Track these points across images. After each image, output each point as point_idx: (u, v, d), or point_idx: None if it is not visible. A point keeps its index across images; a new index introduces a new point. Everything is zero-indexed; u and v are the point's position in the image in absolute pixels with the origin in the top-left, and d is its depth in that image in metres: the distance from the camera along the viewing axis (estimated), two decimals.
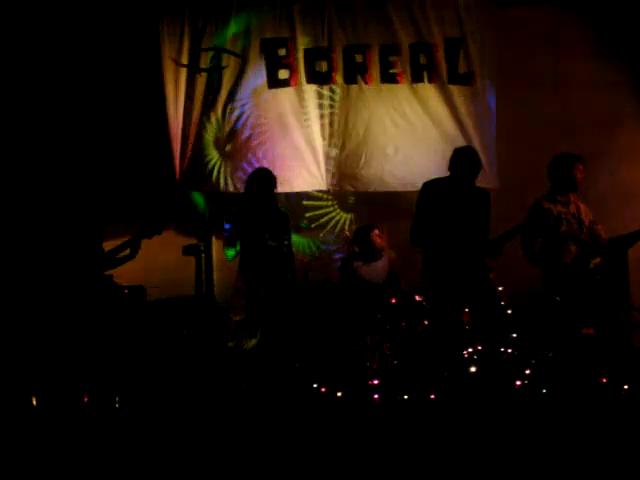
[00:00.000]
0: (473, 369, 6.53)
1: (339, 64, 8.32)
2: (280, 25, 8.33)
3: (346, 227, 8.53)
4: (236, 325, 6.90)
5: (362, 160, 8.34)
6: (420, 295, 7.17)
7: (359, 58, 8.32)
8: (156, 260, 7.59)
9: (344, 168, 8.37)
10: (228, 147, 8.39)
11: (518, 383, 6.54)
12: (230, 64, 8.31)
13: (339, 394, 6.60)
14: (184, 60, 8.28)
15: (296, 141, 8.33)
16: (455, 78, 8.32)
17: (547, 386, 6.45)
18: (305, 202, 8.59)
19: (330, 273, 8.05)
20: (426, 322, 6.97)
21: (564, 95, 8.40)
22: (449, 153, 6.73)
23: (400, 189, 8.25)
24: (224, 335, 7.01)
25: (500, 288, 7.05)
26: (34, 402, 6.11)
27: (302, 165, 8.33)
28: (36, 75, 8.03)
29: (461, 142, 7.89)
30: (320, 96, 8.37)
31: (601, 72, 8.40)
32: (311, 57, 8.33)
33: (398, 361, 6.84)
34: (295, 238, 7.88)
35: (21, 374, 6.34)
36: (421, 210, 6.58)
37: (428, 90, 8.35)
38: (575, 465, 4.99)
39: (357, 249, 7.67)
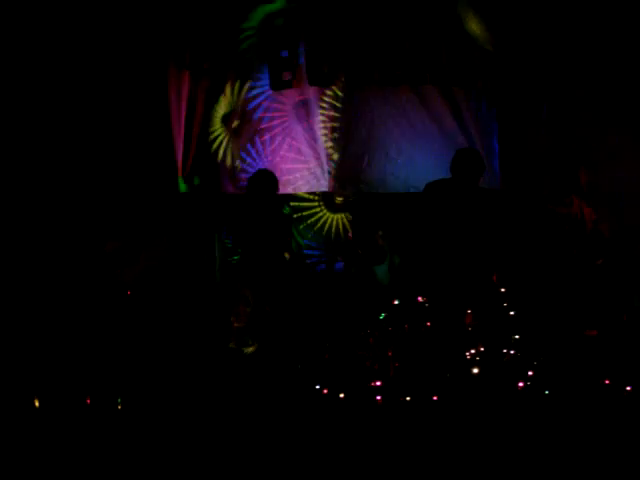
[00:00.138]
0: (475, 370, 6.53)
1: (341, 66, 8.32)
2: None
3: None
4: (237, 330, 6.90)
5: (364, 162, 8.34)
6: (422, 297, 7.17)
7: (362, 60, 8.32)
8: (158, 260, 7.60)
9: (346, 170, 8.36)
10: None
11: (520, 384, 6.53)
12: None
13: (341, 396, 6.59)
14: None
15: (298, 142, 8.34)
16: (458, 80, 8.32)
17: (549, 387, 6.45)
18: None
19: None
20: (428, 324, 6.97)
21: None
22: (452, 155, 6.73)
23: (402, 191, 8.25)
24: (225, 336, 7.02)
25: (502, 289, 7.05)
26: (36, 404, 6.12)
27: (304, 166, 8.33)
28: (37, 76, 8.03)
29: (464, 144, 7.89)
30: (323, 97, 8.37)
31: None
32: (314, 58, 8.34)
33: (400, 363, 6.84)
34: None
35: (24, 375, 6.36)
36: (424, 212, 6.59)
37: (431, 92, 8.35)
38: (578, 466, 4.99)
39: (360, 251, 7.66)
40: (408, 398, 6.46)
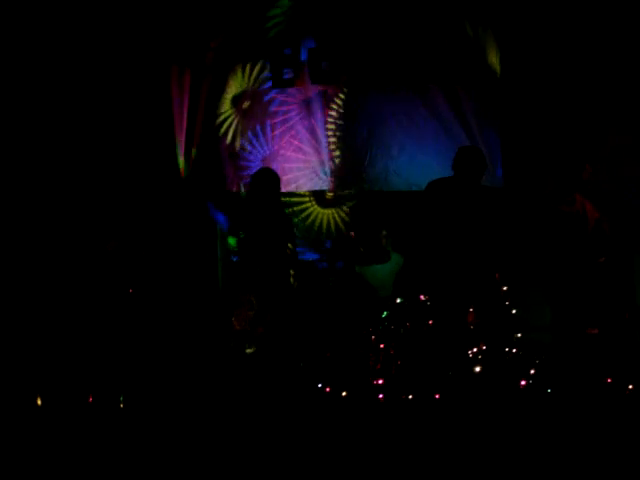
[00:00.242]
0: (478, 369, 6.53)
1: (343, 64, 8.32)
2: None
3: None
4: (238, 333, 6.90)
5: (366, 160, 8.34)
6: (424, 295, 7.17)
7: (364, 58, 8.31)
8: (161, 258, 7.61)
9: (348, 168, 8.37)
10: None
11: (523, 383, 6.54)
12: None
13: (344, 394, 6.60)
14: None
15: (300, 140, 8.34)
16: (459, 78, 8.32)
17: (552, 386, 6.45)
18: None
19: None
20: (431, 322, 6.96)
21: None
22: (453, 153, 6.73)
23: (404, 189, 8.25)
24: (227, 335, 7.03)
25: (505, 288, 7.05)
26: (39, 402, 6.12)
27: (306, 165, 8.34)
28: (41, 76, 8.03)
29: (465, 142, 7.89)
30: (324, 96, 8.37)
31: None
32: (316, 57, 8.33)
33: (402, 361, 6.84)
34: None
35: (26, 374, 6.36)
36: (426, 210, 6.59)
37: (433, 90, 8.34)
38: (580, 465, 4.99)
39: (362, 249, 7.66)
40: (410, 396, 6.46)
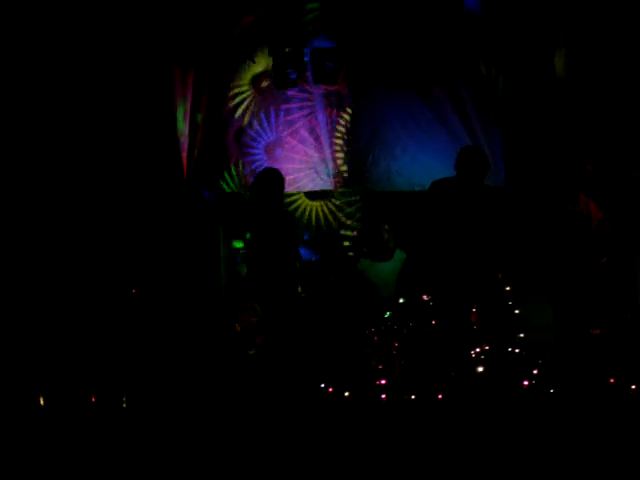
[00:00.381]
0: (480, 369, 6.53)
1: (347, 64, 8.32)
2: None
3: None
4: (240, 333, 6.91)
5: (369, 160, 8.35)
6: (427, 295, 7.17)
7: (367, 59, 8.32)
8: (164, 259, 7.61)
9: (351, 168, 8.38)
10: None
11: (525, 383, 6.53)
12: None
13: (346, 394, 6.60)
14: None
15: (303, 140, 8.34)
16: (462, 78, 8.32)
17: (554, 386, 6.44)
18: None
19: None
20: (433, 322, 6.96)
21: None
22: (456, 153, 6.73)
23: (407, 189, 8.26)
24: (228, 334, 7.04)
25: (507, 288, 7.04)
26: (42, 401, 6.13)
27: (309, 165, 8.34)
28: (46, 79, 8.04)
29: (468, 142, 7.89)
30: (327, 96, 8.38)
31: None
32: (319, 57, 8.34)
33: (405, 361, 6.84)
34: None
35: (29, 373, 6.37)
36: (429, 210, 6.59)
37: (436, 91, 8.35)
38: (582, 465, 4.99)
39: (365, 249, 7.66)
40: (413, 397, 6.46)
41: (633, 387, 6.39)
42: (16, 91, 7.77)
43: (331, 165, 8.37)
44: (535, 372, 6.69)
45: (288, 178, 7.56)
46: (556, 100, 8.30)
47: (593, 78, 8.16)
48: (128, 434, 5.72)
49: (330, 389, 6.67)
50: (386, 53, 8.29)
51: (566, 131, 8.17)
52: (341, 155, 8.40)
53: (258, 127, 8.41)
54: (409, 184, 8.28)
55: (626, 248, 7.39)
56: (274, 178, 6.99)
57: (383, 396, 6.53)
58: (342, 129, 8.41)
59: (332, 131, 8.39)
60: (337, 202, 8.53)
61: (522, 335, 7.06)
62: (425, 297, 7.21)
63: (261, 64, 8.44)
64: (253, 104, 8.43)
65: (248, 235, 6.91)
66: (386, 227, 7.62)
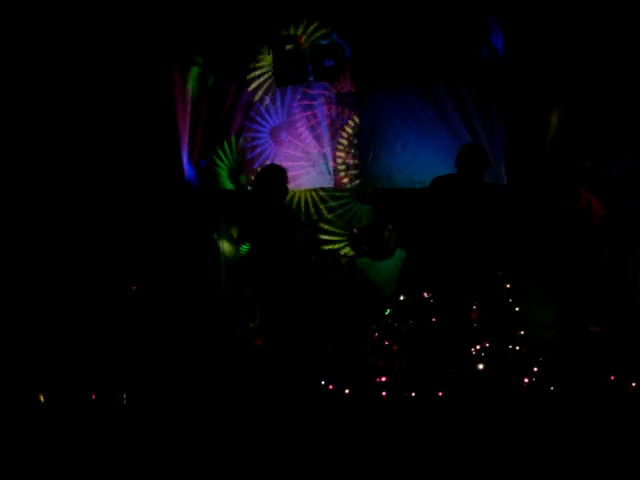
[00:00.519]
0: (481, 366, 6.53)
1: (348, 61, 8.32)
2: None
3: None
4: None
5: (370, 157, 8.35)
6: (428, 292, 7.17)
7: (368, 56, 8.31)
8: (163, 256, 7.62)
9: (352, 165, 8.38)
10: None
11: (526, 380, 6.53)
12: None
13: (347, 391, 6.60)
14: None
15: (304, 138, 8.34)
16: (462, 76, 8.31)
17: (555, 384, 6.44)
18: None
19: None
20: (434, 319, 6.96)
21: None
22: (457, 150, 6.73)
23: (408, 186, 8.26)
24: (231, 330, 7.04)
25: (508, 285, 7.04)
26: (42, 399, 6.13)
27: (310, 162, 8.34)
28: (47, 79, 8.04)
29: (469, 139, 7.89)
30: (328, 93, 8.37)
31: None
32: (319, 54, 8.33)
33: (405, 358, 6.84)
34: None
35: (30, 370, 6.38)
36: (429, 207, 6.59)
37: (437, 88, 8.35)
38: (583, 463, 4.99)
39: (366, 247, 7.66)
40: (413, 394, 6.46)
41: (633, 384, 6.40)
42: (16, 91, 7.78)
43: (332, 163, 8.36)
44: (535, 370, 6.68)
45: (289, 175, 7.53)
46: (556, 98, 8.30)
47: (593, 77, 8.17)
48: (128, 431, 5.73)
49: (330, 386, 6.67)
50: (387, 50, 8.27)
51: (566, 128, 8.17)
52: (342, 153, 8.40)
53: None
54: (410, 181, 8.28)
55: (626, 245, 7.39)
56: (278, 175, 7.00)
57: (383, 393, 6.53)
58: (350, 130, 8.41)
59: (332, 129, 8.38)
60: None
61: (522, 332, 7.06)
62: (425, 294, 7.21)
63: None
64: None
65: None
66: (390, 227, 7.62)
